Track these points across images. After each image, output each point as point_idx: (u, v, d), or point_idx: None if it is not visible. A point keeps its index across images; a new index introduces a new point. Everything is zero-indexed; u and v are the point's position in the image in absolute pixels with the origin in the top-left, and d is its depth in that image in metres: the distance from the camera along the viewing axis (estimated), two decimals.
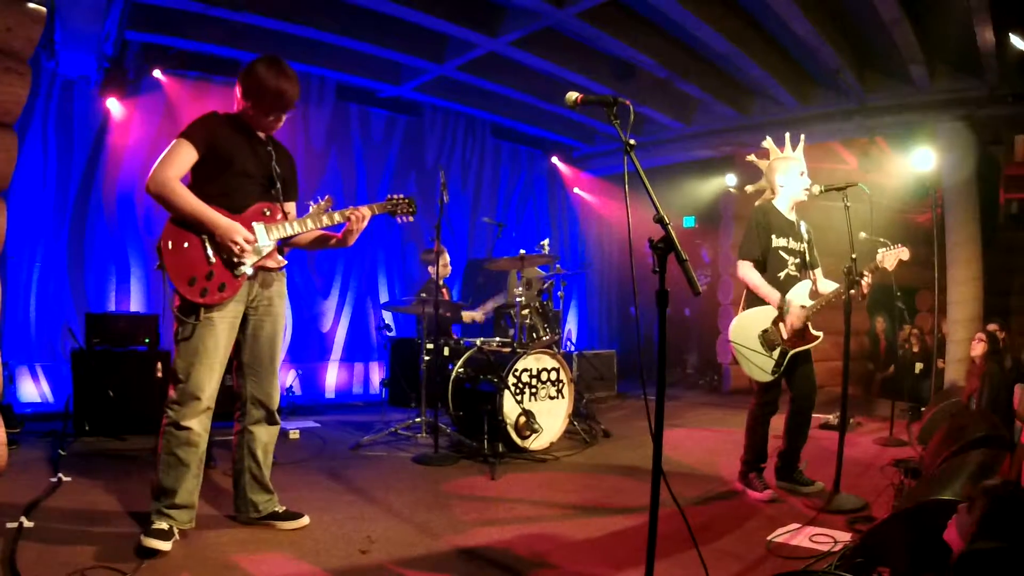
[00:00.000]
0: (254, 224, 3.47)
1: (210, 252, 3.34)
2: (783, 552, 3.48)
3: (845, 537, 3.60)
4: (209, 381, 3.38)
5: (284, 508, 3.77)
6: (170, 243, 3.28)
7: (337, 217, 3.68)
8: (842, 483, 4.30)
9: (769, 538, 3.67)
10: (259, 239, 3.46)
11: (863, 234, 5.22)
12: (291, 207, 3.72)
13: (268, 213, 3.55)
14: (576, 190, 12.30)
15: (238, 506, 3.72)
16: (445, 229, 9.63)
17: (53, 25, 6.11)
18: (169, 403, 3.36)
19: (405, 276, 9.79)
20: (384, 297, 9.56)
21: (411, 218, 4.00)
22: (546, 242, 6.71)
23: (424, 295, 6.41)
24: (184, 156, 3.32)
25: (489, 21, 7.28)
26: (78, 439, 5.70)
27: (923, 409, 7.32)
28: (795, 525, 3.85)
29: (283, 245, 3.66)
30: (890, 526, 2.94)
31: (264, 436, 3.70)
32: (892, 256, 4.50)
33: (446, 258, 7.10)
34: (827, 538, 3.60)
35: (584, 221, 12.60)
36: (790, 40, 7.54)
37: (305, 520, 3.74)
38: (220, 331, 3.40)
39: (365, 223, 3.75)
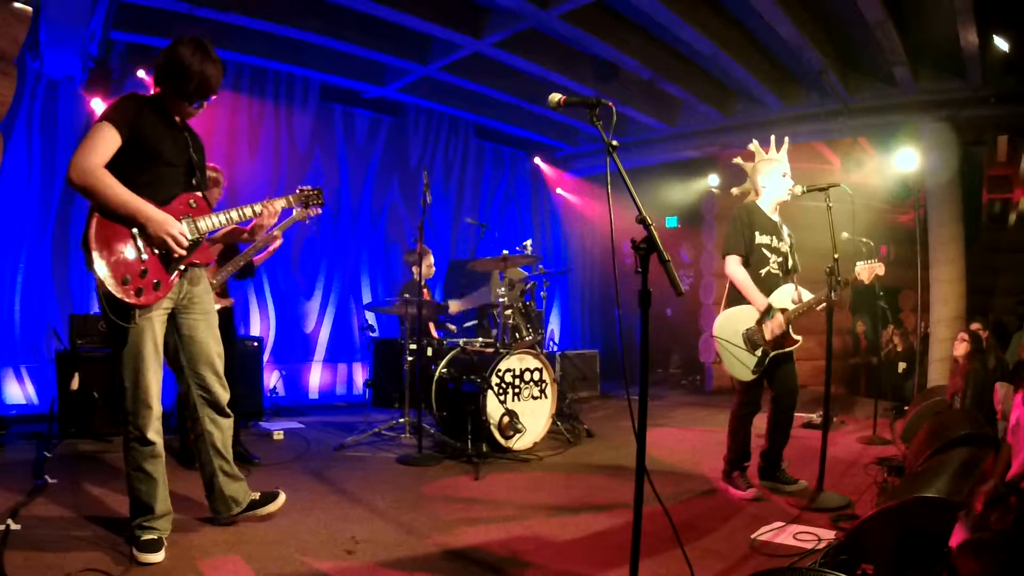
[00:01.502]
0: (182, 217, 3.26)
1: (142, 247, 3.14)
2: (767, 550, 3.49)
3: (829, 535, 3.63)
4: (155, 384, 3.27)
5: (258, 494, 3.72)
6: (99, 239, 3.04)
7: (258, 208, 3.54)
8: (826, 481, 4.34)
9: (753, 536, 3.69)
10: (187, 232, 3.25)
11: (845, 234, 5.26)
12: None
13: (195, 205, 3.36)
14: (559, 191, 12.31)
15: (218, 508, 3.63)
16: (428, 230, 9.60)
17: (38, 25, 6.05)
18: (127, 415, 3.24)
19: (388, 277, 9.76)
20: (367, 298, 9.53)
21: (319, 210, 3.88)
22: (529, 243, 6.69)
23: (407, 295, 6.39)
24: (108, 141, 3.07)
25: (473, 22, 7.28)
26: (63, 441, 5.66)
27: (906, 408, 7.37)
28: (779, 523, 3.88)
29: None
30: (874, 523, 2.95)
31: (219, 431, 3.58)
32: (868, 271, 4.53)
33: (430, 259, 7.09)
34: (811, 536, 3.63)
35: (567, 222, 12.61)
36: (774, 41, 7.58)
37: (281, 497, 3.72)
38: (157, 330, 3.27)
39: (276, 217, 3.63)
